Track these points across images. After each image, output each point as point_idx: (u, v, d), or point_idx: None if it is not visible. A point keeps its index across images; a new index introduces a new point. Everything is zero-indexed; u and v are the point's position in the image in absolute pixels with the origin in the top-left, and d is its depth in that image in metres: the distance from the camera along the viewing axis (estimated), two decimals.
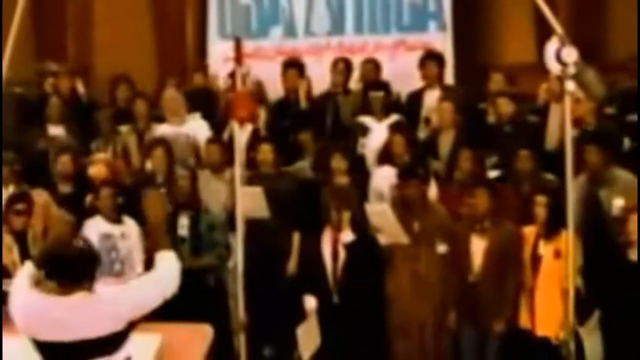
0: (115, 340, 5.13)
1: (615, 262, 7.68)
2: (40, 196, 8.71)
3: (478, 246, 8.00)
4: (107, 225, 8.52)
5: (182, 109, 9.87)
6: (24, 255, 8.09)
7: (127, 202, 8.53)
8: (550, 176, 8.59)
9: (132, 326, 5.20)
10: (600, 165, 8.45)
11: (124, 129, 9.91)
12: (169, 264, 5.52)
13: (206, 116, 9.92)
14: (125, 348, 5.18)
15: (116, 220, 8.54)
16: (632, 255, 7.66)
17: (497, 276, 7.89)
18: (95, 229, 8.47)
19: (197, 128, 9.75)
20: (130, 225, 8.55)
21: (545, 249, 7.74)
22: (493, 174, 8.78)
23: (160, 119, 10.04)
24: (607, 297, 7.66)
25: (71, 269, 5.14)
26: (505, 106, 9.48)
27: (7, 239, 8.17)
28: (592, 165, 8.44)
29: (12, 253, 8.17)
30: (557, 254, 7.14)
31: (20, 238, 8.24)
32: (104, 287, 5.22)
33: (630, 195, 8.15)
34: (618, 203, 8.23)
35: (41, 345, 5.13)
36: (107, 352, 5.12)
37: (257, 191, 8.49)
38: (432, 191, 8.76)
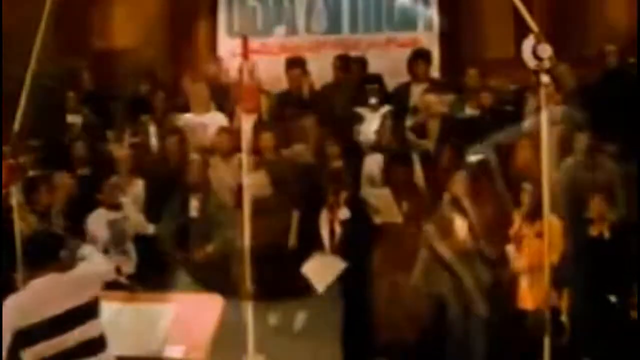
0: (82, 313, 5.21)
1: (578, 238, 7.71)
2: (61, 178, 8.85)
3: (460, 224, 8.02)
4: (110, 214, 8.66)
5: (206, 101, 9.90)
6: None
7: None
8: None
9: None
10: None
11: (144, 118, 9.93)
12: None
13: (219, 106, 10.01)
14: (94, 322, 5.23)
15: (116, 207, 8.67)
16: (592, 231, 7.78)
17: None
18: (101, 219, 8.64)
19: (215, 118, 9.78)
20: (128, 206, 8.71)
21: (528, 231, 7.72)
22: (474, 158, 8.68)
23: (177, 109, 10.10)
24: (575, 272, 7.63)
25: (35, 256, 5.35)
26: (486, 98, 9.60)
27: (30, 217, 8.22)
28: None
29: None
30: (539, 235, 6.97)
31: (45, 215, 8.36)
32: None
33: None
34: None
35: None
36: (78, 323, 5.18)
37: (261, 173, 8.53)
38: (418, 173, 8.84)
